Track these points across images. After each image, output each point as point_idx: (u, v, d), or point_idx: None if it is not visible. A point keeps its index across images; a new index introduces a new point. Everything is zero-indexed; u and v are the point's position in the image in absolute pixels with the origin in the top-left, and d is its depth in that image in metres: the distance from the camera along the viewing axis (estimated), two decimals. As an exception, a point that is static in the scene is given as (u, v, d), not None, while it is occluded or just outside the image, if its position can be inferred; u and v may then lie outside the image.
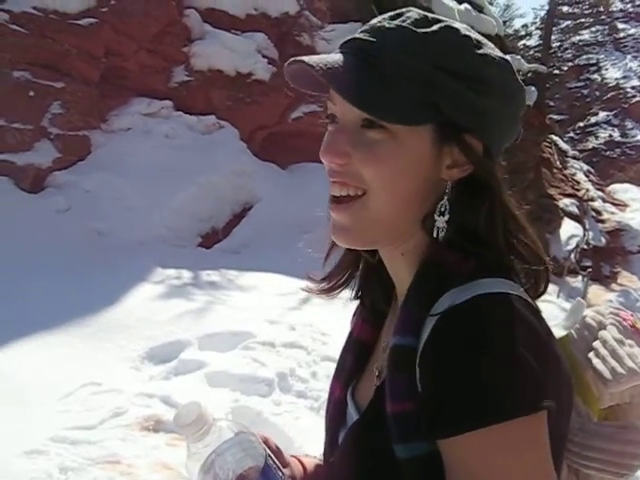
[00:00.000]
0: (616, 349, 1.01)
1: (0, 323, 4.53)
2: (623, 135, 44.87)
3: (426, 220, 0.97)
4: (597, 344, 1.04)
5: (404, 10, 0.99)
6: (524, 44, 30.32)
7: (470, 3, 17.08)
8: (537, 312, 0.92)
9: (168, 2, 9.37)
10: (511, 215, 1.02)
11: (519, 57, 19.15)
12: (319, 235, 1.14)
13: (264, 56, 9.96)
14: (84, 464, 3.20)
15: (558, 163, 20.48)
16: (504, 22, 23.12)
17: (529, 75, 19.27)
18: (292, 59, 0.94)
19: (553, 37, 30.60)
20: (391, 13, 0.99)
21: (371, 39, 0.94)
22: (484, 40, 1.01)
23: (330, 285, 1.16)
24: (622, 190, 23.11)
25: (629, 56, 50.79)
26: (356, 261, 1.14)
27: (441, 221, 0.96)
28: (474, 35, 0.98)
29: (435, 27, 0.94)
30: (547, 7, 27.19)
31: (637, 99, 46.63)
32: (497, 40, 17.87)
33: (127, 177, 7.47)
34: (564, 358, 0.94)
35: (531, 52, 28.04)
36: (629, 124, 45.63)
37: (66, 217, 6.80)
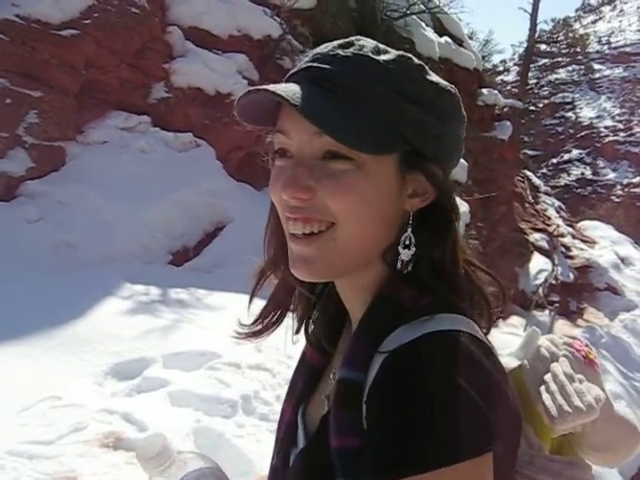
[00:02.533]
0: (565, 385, 1.02)
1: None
2: (595, 173, 45.64)
3: (388, 252, 0.97)
4: (548, 377, 1.04)
5: (353, 39, 0.97)
6: (502, 79, 30.84)
7: (450, 36, 17.34)
8: (489, 350, 0.89)
9: (151, 18, 9.38)
10: (461, 245, 1.01)
11: (496, 92, 19.42)
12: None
13: (244, 77, 9.97)
14: (40, 479, 3.15)
15: (530, 198, 20.75)
16: (483, 57, 23.51)
17: (505, 110, 19.54)
18: (252, 88, 0.91)
19: (530, 74, 31.13)
20: (340, 42, 0.96)
21: (329, 67, 0.92)
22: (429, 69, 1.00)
23: (261, 327, 1.14)
24: (592, 227, 23.44)
25: (604, 96, 51.85)
26: (288, 298, 1.14)
27: (406, 254, 0.95)
28: (423, 64, 0.98)
29: (390, 55, 0.94)
30: (525, 44, 27.69)
31: (610, 139, 47.52)
32: (476, 74, 18.13)
33: (100, 190, 7.42)
34: (514, 395, 0.93)
35: (508, 87, 28.53)
36: (601, 163, 46.45)
37: (36, 227, 6.72)
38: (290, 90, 0.89)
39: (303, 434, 1.06)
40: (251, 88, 0.91)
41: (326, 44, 0.96)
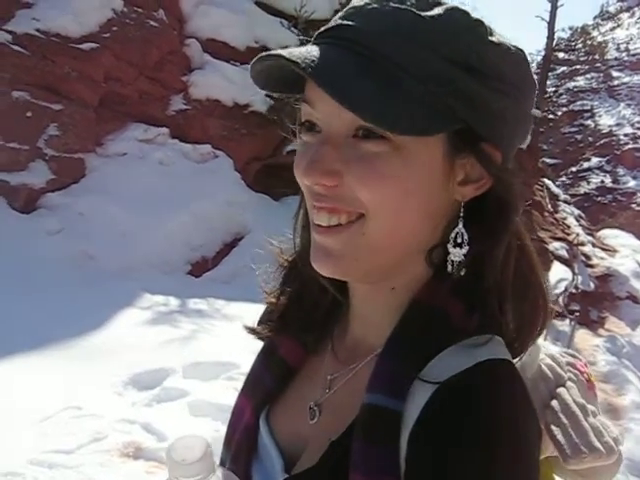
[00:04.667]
0: (580, 421, 0.89)
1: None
2: (614, 181, 45.26)
3: (434, 251, 0.81)
4: (557, 406, 0.91)
5: None
6: (520, 88, 30.64)
7: (468, 45, 17.34)
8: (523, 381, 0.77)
9: (169, 31, 9.47)
10: (525, 251, 0.86)
11: (514, 100, 19.36)
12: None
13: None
14: (60, 489, 3.17)
15: (549, 207, 20.61)
16: (501, 65, 23.41)
17: (523, 118, 19.48)
18: (265, 53, 0.75)
19: (548, 82, 30.99)
20: None
21: (362, 26, 0.74)
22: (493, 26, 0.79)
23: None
24: (612, 236, 23.23)
25: (623, 104, 51.47)
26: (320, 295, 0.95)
27: (457, 253, 0.79)
28: (485, 21, 0.78)
29: (439, 10, 0.75)
30: (543, 52, 27.60)
31: (629, 146, 47.15)
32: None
33: (120, 202, 7.48)
34: None
35: (526, 96, 28.34)
36: (621, 171, 46.06)
37: (57, 239, 6.78)
38: (310, 55, 0.72)
39: (271, 442, 0.91)
40: (264, 54, 0.75)
41: None
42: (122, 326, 5.38)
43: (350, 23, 0.75)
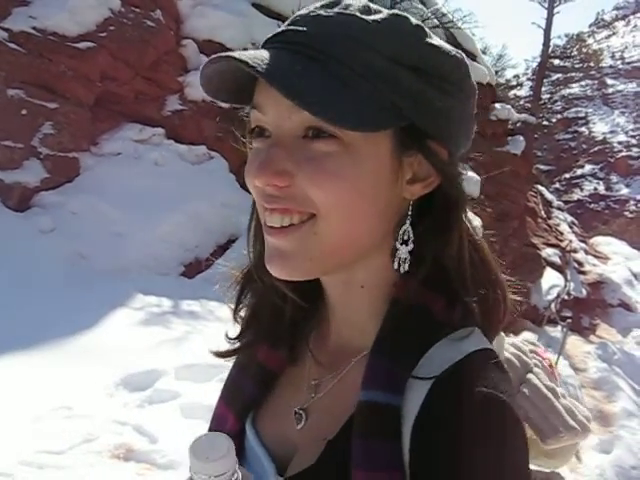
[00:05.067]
0: (553, 403, 0.96)
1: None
2: (608, 189, 45.49)
3: (391, 246, 0.84)
4: (528, 391, 0.96)
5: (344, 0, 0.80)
6: (515, 94, 30.83)
7: (464, 51, 17.29)
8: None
9: (166, 31, 9.46)
10: (478, 246, 0.89)
11: (509, 107, 19.41)
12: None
13: (258, 90, 10.04)
14: (50, 490, 3.15)
15: (543, 213, 20.67)
16: (496, 71, 23.52)
17: (518, 125, 19.53)
18: (215, 56, 0.76)
19: (543, 89, 31.13)
20: (323, 2, 0.81)
21: (308, 30, 0.77)
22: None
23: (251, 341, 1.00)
24: (605, 243, 23.33)
25: (617, 111, 51.77)
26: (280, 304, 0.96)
27: (404, 251, 0.82)
28: (424, 25, 0.81)
29: (382, 15, 0.78)
30: (539, 59, 27.72)
31: (623, 154, 47.40)
32: (489, 88, 18.13)
33: (114, 202, 7.46)
34: None
35: (521, 102, 28.51)
36: (614, 178, 46.31)
37: (50, 238, 6.76)
38: (259, 56, 0.74)
39: (259, 446, 0.91)
40: (214, 56, 0.77)
41: (312, 5, 0.81)
42: (114, 327, 5.36)
43: (298, 28, 0.77)
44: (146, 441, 3.78)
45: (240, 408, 0.97)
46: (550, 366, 1.03)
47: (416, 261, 0.83)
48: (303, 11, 0.80)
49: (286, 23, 0.82)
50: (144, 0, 9.31)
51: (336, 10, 0.78)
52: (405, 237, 0.82)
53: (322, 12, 0.78)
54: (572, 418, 0.95)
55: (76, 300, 5.62)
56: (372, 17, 0.77)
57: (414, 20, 0.81)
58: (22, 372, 4.27)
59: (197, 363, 4.82)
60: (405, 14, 0.81)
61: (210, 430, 1.00)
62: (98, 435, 3.71)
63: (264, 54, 0.75)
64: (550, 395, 0.96)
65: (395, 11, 0.80)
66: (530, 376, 0.98)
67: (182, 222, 7.92)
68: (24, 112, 7.34)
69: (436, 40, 0.81)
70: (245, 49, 0.75)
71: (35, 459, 3.36)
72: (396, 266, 0.83)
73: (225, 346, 1.08)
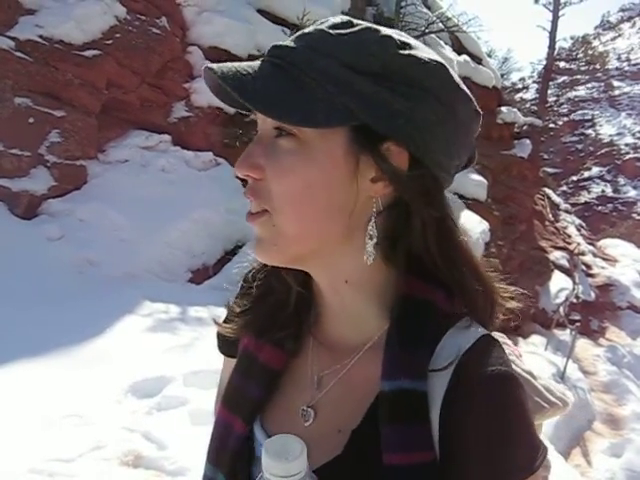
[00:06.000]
0: (532, 382, 1.06)
1: (-17, 349, 4.50)
2: (615, 191, 45.36)
3: (386, 245, 0.89)
4: None
5: (326, 20, 0.89)
6: (521, 97, 30.82)
7: (469, 55, 17.38)
8: None
9: (172, 38, 9.50)
10: (454, 243, 0.91)
11: (515, 110, 19.40)
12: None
13: (264, 96, 10.06)
14: (60, 497, 3.16)
15: (550, 216, 20.64)
16: (502, 75, 23.53)
17: (524, 128, 19.50)
18: (204, 66, 0.85)
19: (549, 91, 31.11)
20: (318, 21, 0.90)
21: (288, 44, 0.86)
22: (416, 43, 0.87)
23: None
24: (613, 245, 23.27)
25: (624, 113, 51.64)
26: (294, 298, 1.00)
27: (370, 245, 0.86)
28: (401, 37, 0.85)
29: (353, 29, 0.84)
30: (544, 62, 27.70)
31: (630, 156, 47.27)
32: (495, 92, 18.13)
33: (121, 209, 7.48)
34: None
35: (527, 105, 28.45)
36: (621, 180, 46.18)
37: (58, 245, 6.78)
38: (240, 68, 0.83)
39: None
40: (204, 66, 0.85)
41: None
42: (122, 333, 5.36)
43: (281, 44, 0.87)
44: (155, 448, 3.78)
45: (246, 412, 0.98)
46: (520, 356, 1.12)
47: (367, 254, 0.87)
48: (303, 30, 0.88)
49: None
50: (149, 8, 9.34)
51: (315, 26, 0.87)
52: (371, 232, 0.86)
53: (310, 29, 0.87)
54: (552, 395, 1.07)
55: (84, 307, 5.63)
56: (339, 31, 0.84)
57: (385, 32, 0.85)
58: (31, 379, 4.28)
59: (205, 369, 4.82)
60: (378, 27, 0.85)
61: (214, 439, 1.02)
62: (107, 442, 3.71)
63: (240, 65, 0.84)
64: (529, 377, 1.06)
65: (370, 25, 0.85)
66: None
67: (189, 228, 7.94)
68: (31, 120, 7.38)
69: (408, 50, 0.84)
70: (250, 55, 0.81)
71: (45, 467, 3.36)
72: (365, 258, 0.87)
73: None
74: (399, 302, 0.88)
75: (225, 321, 1.10)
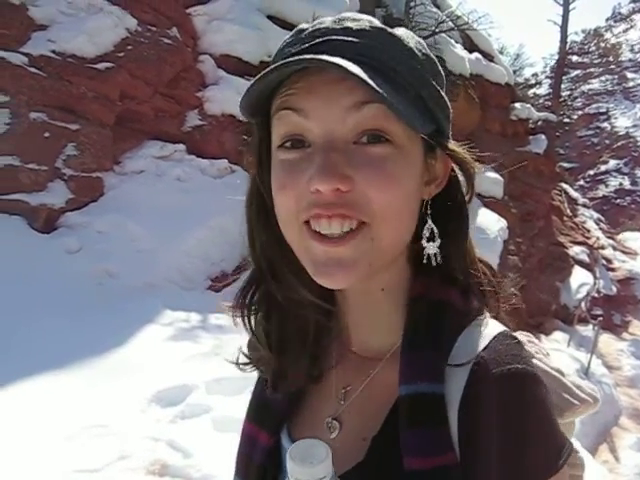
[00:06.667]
0: (562, 380, 1.05)
1: (6, 363, 4.53)
2: (633, 183, 44.99)
3: (409, 248, 0.89)
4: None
5: (347, 14, 0.84)
6: (534, 93, 30.67)
7: (481, 52, 17.31)
8: None
9: (183, 48, 9.54)
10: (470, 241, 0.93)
11: (529, 106, 19.30)
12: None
13: (276, 102, 10.08)
14: (88, 508, 3.17)
15: (568, 211, 20.51)
16: (514, 71, 23.42)
17: (539, 123, 19.40)
18: (282, 62, 0.75)
19: (563, 86, 30.92)
20: (339, 17, 0.83)
21: (353, 39, 0.79)
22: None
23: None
24: (633, 238, 23.09)
25: (639, 105, 51.20)
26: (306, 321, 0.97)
27: (432, 247, 0.86)
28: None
29: (399, 31, 0.84)
30: (557, 56, 27.56)
31: (647, 148, 46.81)
32: (508, 89, 18.05)
33: (139, 219, 7.52)
34: None
35: (541, 101, 28.33)
36: (639, 172, 45.74)
37: (77, 258, 6.82)
38: (336, 59, 0.74)
39: None
40: (279, 63, 0.75)
41: (317, 22, 0.85)
42: (144, 343, 5.39)
43: (338, 38, 0.79)
44: (180, 456, 3.79)
45: (272, 424, 0.98)
46: (547, 354, 1.10)
47: (431, 257, 0.87)
48: (323, 25, 0.82)
49: (312, 35, 0.83)
50: (160, 18, 9.39)
51: (366, 25, 0.80)
52: (428, 234, 0.86)
53: (353, 25, 0.80)
54: (582, 392, 1.05)
55: (105, 318, 5.65)
56: (397, 32, 0.82)
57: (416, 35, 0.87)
58: (54, 391, 4.31)
59: (227, 377, 4.82)
60: (411, 32, 0.87)
61: (240, 453, 1.03)
62: (132, 452, 3.73)
63: (334, 59, 0.74)
64: (558, 374, 1.04)
65: (402, 29, 0.86)
66: (535, 361, 1.04)
67: (207, 236, 7.96)
68: (47, 135, 7.43)
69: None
70: (262, 62, 0.77)
71: (72, 478, 3.37)
72: (425, 261, 0.86)
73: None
74: (414, 304, 0.88)
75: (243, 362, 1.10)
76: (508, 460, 0.77)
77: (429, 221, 0.86)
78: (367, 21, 0.81)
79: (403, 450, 0.79)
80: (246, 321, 1.00)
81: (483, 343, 0.82)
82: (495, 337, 0.83)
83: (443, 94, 0.86)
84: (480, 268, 0.92)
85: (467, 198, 0.90)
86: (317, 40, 0.80)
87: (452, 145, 0.86)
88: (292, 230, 0.83)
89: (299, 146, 0.80)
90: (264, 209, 0.91)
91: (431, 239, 0.86)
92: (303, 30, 0.85)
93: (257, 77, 0.76)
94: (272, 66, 0.76)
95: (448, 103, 0.87)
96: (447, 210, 0.89)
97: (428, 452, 0.78)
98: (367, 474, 0.84)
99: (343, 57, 0.74)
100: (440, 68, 0.88)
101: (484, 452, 0.77)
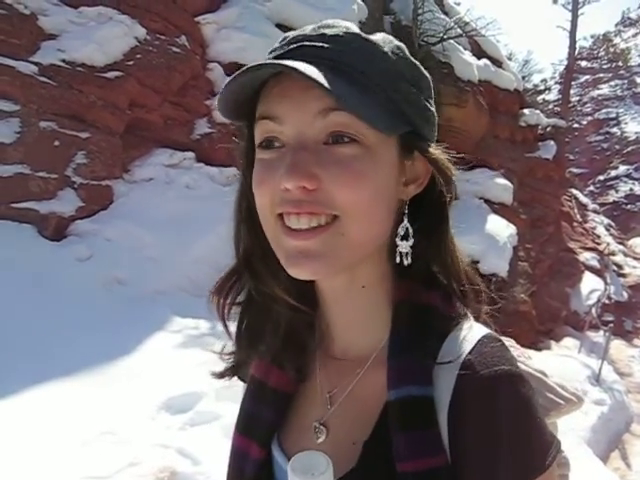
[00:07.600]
0: (546, 381, 1.07)
1: (16, 370, 4.54)
2: (644, 189, 44.72)
3: (386, 246, 0.91)
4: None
5: (328, 21, 0.87)
6: (543, 98, 30.61)
7: (489, 58, 17.31)
8: None
9: (192, 56, 9.58)
10: (449, 244, 0.94)
11: (538, 112, 19.26)
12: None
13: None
14: (98, 515, 3.17)
15: (578, 217, 20.44)
16: (523, 77, 23.40)
17: (548, 129, 19.36)
18: (254, 64, 0.79)
19: (572, 91, 30.86)
20: (316, 25, 0.87)
21: (326, 45, 0.82)
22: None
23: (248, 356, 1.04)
24: (643, 244, 22.94)
25: (648, 110, 50.95)
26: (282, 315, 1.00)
27: (404, 246, 0.88)
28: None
29: (376, 37, 0.87)
30: (566, 62, 27.51)
31: (657, 153, 46.64)
32: (517, 95, 18.03)
33: (148, 227, 7.54)
34: None
35: (550, 106, 28.27)
36: (649, 178, 45.53)
37: (87, 265, 6.84)
38: (296, 64, 0.77)
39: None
40: (252, 64, 0.79)
41: (300, 29, 0.87)
42: (153, 350, 5.39)
43: (312, 44, 0.82)
44: (189, 463, 3.79)
45: (262, 436, 0.99)
46: (529, 357, 1.13)
47: (402, 255, 0.89)
48: (301, 32, 0.86)
49: (289, 41, 0.86)
50: (169, 27, 9.44)
51: (341, 30, 0.84)
52: (402, 233, 0.88)
53: (328, 31, 0.84)
54: (565, 391, 1.08)
55: (115, 325, 5.67)
56: (371, 37, 0.85)
57: (396, 40, 0.90)
58: (64, 399, 4.31)
59: (237, 383, 4.78)
60: (390, 36, 0.89)
61: (231, 467, 1.04)
62: (143, 459, 3.73)
63: (299, 63, 0.77)
64: (541, 375, 1.08)
65: (382, 34, 0.89)
66: (518, 364, 1.07)
67: (215, 243, 7.96)
68: (57, 143, 7.47)
69: (406, 52, 0.90)
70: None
71: (82, 485, 3.39)
72: (398, 260, 0.88)
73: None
74: (399, 308, 0.90)
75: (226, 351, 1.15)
76: (497, 460, 0.78)
77: (405, 220, 0.88)
78: (344, 27, 0.85)
79: (395, 454, 0.81)
80: (219, 308, 1.07)
81: (469, 346, 0.84)
82: (480, 340, 0.85)
83: (423, 97, 0.88)
84: (463, 271, 0.93)
85: (448, 199, 0.91)
86: (292, 46, 0.84)
87: (431, 148, 0.89)
88: (268, 224, 0.87)
89: (275, 146, 0.85)
90: (249, 208, 0.97)
91: (405, 238, 0.88)
92: (287, 37, 0.88)
93: (227, 81, 0.83)
94: (240, 70, 0.81)
95: (430, 106, 0.90)
96: (428, 211, 0.91)
97: (420, 454, 0.79)
98: (365, 474, 0.85)
99: (311, 62, 0.78)
100: (423, 72, 0.90)
101: (474, 452, 0.79)
